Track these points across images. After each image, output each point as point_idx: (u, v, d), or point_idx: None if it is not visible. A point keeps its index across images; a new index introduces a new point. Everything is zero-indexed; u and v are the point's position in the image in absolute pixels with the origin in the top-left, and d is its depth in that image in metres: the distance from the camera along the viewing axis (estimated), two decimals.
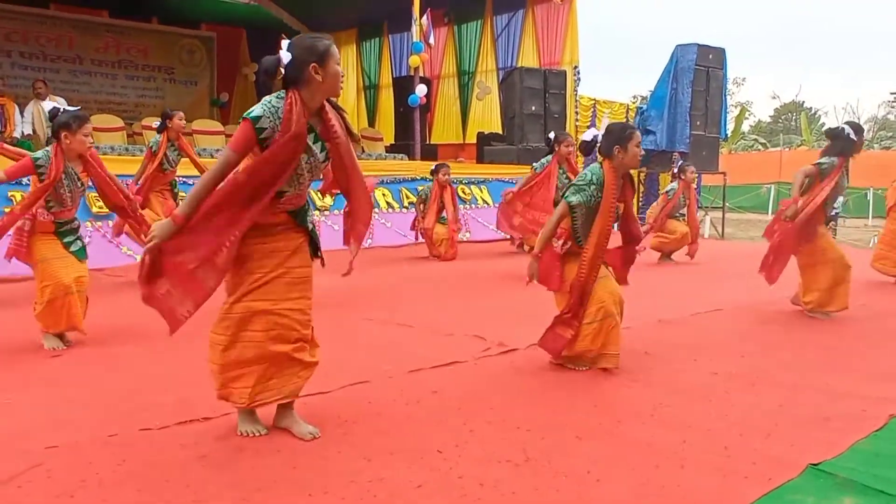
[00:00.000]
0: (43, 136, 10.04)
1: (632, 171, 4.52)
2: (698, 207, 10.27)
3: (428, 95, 14.07)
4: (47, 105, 4.99)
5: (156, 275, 3.04)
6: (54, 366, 4.50)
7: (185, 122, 7.76)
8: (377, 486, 2.79)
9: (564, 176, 7.96)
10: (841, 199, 6.02)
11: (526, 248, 10.23)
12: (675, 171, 10.01)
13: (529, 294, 7.19)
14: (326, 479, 2.84)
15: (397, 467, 2.95)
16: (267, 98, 3.02)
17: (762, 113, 54.38)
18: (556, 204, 4.48)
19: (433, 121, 16.60)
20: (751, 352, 4.90)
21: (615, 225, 4.37)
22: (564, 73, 14.40)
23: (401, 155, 13.65)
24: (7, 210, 4.81)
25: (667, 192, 10.04)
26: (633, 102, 20.23)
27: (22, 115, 10.95)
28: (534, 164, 8.72)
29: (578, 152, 4.63)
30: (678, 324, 5.74)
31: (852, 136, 5.91)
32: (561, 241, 4.38)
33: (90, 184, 5.00)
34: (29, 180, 4.89)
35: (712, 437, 3.30)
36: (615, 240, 4.43)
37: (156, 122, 7.83)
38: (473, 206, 12.31)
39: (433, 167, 9.97)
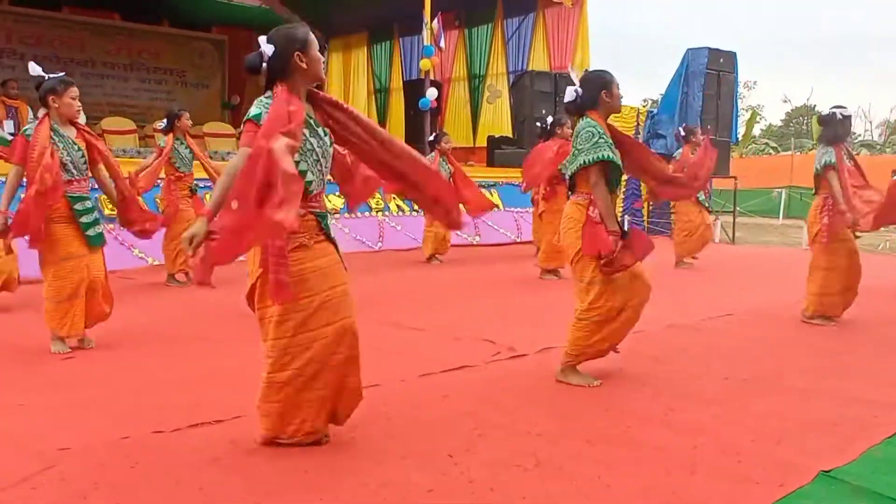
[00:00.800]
0: None
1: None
2: (709, 211, 10.18)
3: (438, 99, 14.06)
4: (34, 69, 5.00)
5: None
6: (66, 368, 4.53)
7: (190, 122, 7.74)
8: (388, 489, 2.80)
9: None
10: None
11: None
12: (682, 134, 9.67)
13: (540, 299, 7.20)
14: (337, 483, 2.85)
15: (408, 471, 2.95)
16: (259, 98, 3.06)
17: (773, 117, 54.30)
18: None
19: (443, 124, 16.58)
20: (762, 357, 4.88)
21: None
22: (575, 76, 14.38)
23: None
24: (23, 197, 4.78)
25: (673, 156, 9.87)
26: (644, 106, 20.19)
27: (35, 117, 11.00)
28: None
29: (567, 116, 4.52)
30: (689, 329, 5.72)
31: (842, 117, 5.90)
32: (595, 208, 4.13)
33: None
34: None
35: (724, 443, 3.29)
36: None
37: (160, 123, 7.82)
38: None
39: (432, 136, 9.93)
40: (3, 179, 5.03)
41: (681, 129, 9.88)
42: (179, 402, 3.79)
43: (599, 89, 4.20)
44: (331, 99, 3.22)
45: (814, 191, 6.04)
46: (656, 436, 3.40)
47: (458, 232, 9.67)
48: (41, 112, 5.03)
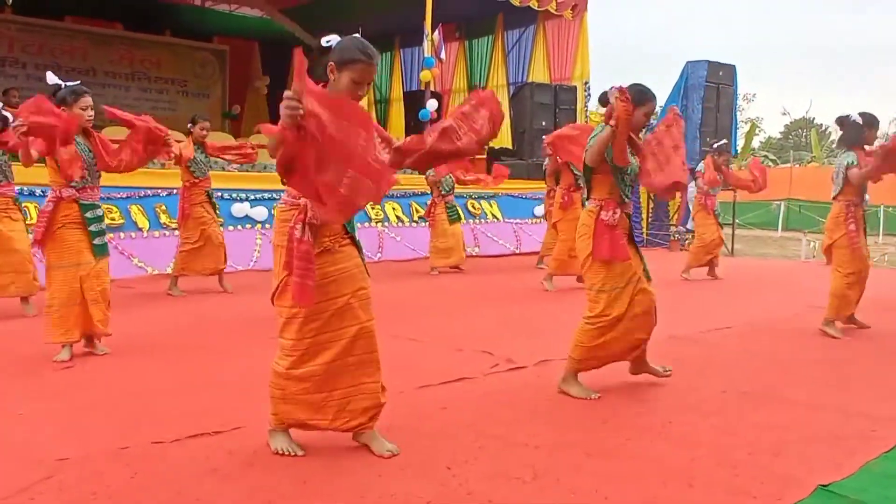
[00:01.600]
0: None
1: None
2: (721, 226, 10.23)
3: (439, 110, 14.09)
4: (51, 78, 5.05)
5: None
6: (66, 376, 4.53)
7: (206, 132, 7.88)
8: (387, 501, 2.80)
9: None
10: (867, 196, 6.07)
11: (542, 265, 10.26)
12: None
13: (538, 310, 7.21)
14: (336, 494, 2.85)
15: (407, 482, 2.96)
16: None
17: (772, 129, 54.28)
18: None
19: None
20: (760, 370, 4.89)
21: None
22: (575, 88, 14.44)
23: (410, 169, 13.68)
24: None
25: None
26: None
27: None
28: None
29: (600, 103, 4.57)
30: (688, 341, 5.73)
31: (858, 120, 5.96)
32: (611, 212, 4.19)
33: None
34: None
35: (721, 456, 3.29)
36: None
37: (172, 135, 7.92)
38: (483, 220, 12.32)
39: None
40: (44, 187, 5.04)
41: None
42: (179, 412, 3.79)
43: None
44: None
45: (833, 195, 6.08)
46: (654, 448, 3.40)
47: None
48: None
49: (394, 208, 11.48)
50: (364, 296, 3.18)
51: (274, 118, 19.30)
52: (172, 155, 6.84)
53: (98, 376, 4.56)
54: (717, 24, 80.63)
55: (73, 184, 4.82)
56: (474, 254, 11.46)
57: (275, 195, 9.35)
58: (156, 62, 17.51)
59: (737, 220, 14.79)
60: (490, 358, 5.03)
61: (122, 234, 8.79)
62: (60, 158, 4.68)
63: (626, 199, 4.28)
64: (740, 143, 28.95)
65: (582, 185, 8.39)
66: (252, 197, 10.04)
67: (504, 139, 15.69)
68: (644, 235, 14.06)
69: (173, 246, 8.55)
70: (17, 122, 4.61)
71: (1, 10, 14.35)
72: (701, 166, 10.04)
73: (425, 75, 13.25)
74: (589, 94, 14.87)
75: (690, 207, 10.99)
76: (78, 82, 5.05)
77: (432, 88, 13.75)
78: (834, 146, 30.59)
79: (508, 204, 12.65)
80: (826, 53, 75.86)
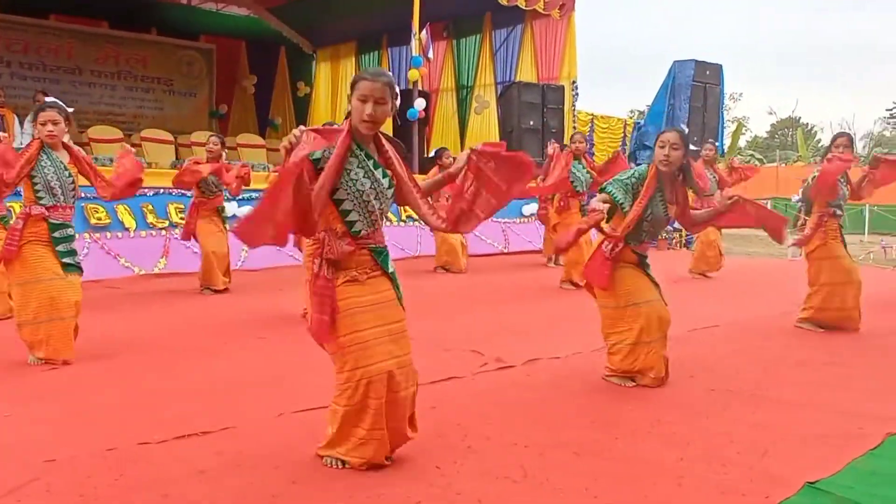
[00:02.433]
0: None
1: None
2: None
3: (426, 109, 14.09)
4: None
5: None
6: (52, 379, 4.50)
7: (218, 147, 7.90)
8: (376, 501, 2.80)
9: (584, 169, 8.53)
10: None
11: (552, 264, 10.29)
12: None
13: (527, 310, 7.22)
14: (325, 495, 2.85)
15: (396, 483, 2.95)
16: None
17: (759, 128, 54.61)
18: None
19: (431, 134, 16.61)
20: (748, 368, 4.91)
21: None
22: (562, 88, 14.45)
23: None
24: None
25: None
26: (631, 118, 20.30)
27: (22, 127, 10.95)
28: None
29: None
30: (675, 340, 5.69)
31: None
32: (611, 246, 4.38)
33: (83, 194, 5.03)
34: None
35: (710, 454, 3.30)
36: None
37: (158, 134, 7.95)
38: None
39: (434, 152, 10.04)
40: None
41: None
42: (166, 413, 3.77)
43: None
44: (397, 144, 3.23)
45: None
46: (643, 447, 3.41)
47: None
48: (27, 121, 5.06)
49: None
50: (396, 330, 3.14)
51: (261, 117, 19.17)
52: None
53: (84, 378, 4.53)
54: (704, 24, 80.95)
55: (40, 197, 4.78)
56: None
57: None
58: (142, 61, 17.39)
59: None
60: (479, 357, 5.03)
61: (108, 234, 8.74)
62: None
63: (635, 243, 4.42)
64: (727, 142, 29.10)
65: (580, 190, 8.45)
66: (240, 196, 9.98)
67: (492, 138, 15.68)
68: None
69: (160, 246, 8.53)
70: None
71: None
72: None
73: (413, 74, 13.23)
74: (576, 94, 14.89)
75: None
76: (52, 98, 5.09)
77: (420, 87, 13.72)
78: (820, 145, 30.83)
79: None
80: (813, 53, 76.32)
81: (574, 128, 14.84)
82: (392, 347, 3.08)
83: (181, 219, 8.79)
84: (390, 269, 3.18)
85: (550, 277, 8.52)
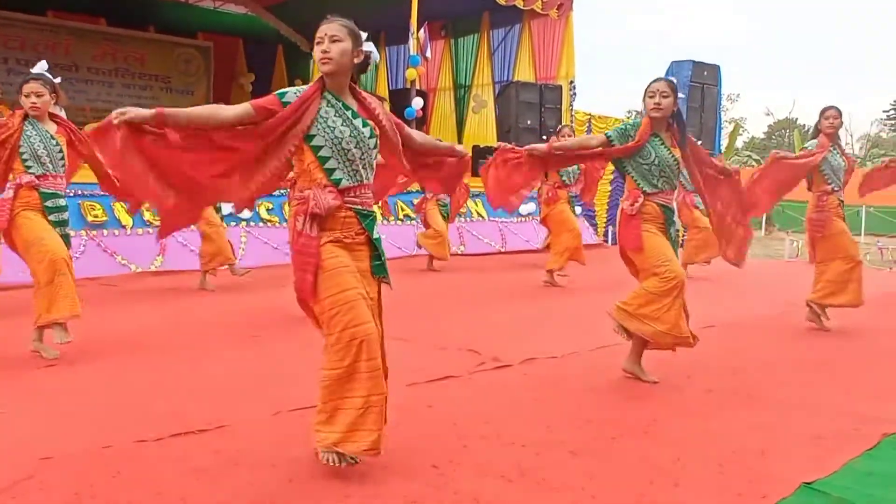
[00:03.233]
0: None
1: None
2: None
3: (424, 108, 14.10)
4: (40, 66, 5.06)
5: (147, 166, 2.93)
6: (48, 377, 4.48)
7: None
8: (372, 500, 2.79)
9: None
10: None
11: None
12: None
13: (524, 309, 7.21)
14: (322, 494, 2.84)
15: (392, 482, 2.95)
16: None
17: (756, 129, 54.60)
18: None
19: (429, 133, 16.59)
20: (745, 369, 4.91)
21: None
22: (560, 87, 14.46)
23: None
24: None
25: None
26: (628, 117, 20.30)
27: None
28: None
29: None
30: None
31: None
32: (629, 202, 4.49)
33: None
34: None
35: (706, 454, 3.30)
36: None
37: None
38: (468, 219, 12.32)
39: None
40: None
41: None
42: (162, 411, 3.76)
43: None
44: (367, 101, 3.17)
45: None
46: (640, 447, 3.41)
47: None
48: None
49: (378, 206, 11.45)
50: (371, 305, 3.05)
51: None
52: None
53: (79, 375, 4.52)
54: (701, 24, 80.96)
55: (28, 166, 4.80)
56: (460, 252, 11.45)
57: None
58: (139, 58, 17.38)
59: None
60: (476, 356, 5.03)
61: (105, 232, 8.72)
62: None
63: (652, 189, 4.49)
64: (724, 142, 29.12)
65: (567, 182, 8.47)
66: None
67: (489, 137, 15.70)
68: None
69: (157, 243, 8.49)
70: None
71: None
72: None
73: (411, 73, 13.23)
74: (574, 94, 14.90)
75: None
76: (39, 70, 5.08)
77: (418, 87, 13.72)
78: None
79: None
80: (810, 54, 76.40)
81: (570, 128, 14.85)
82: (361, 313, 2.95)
83: None
84: (375, 235, 3.10)
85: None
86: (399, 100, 14.62)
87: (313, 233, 2.96)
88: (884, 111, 48.82)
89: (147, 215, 9.12)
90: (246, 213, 9.86)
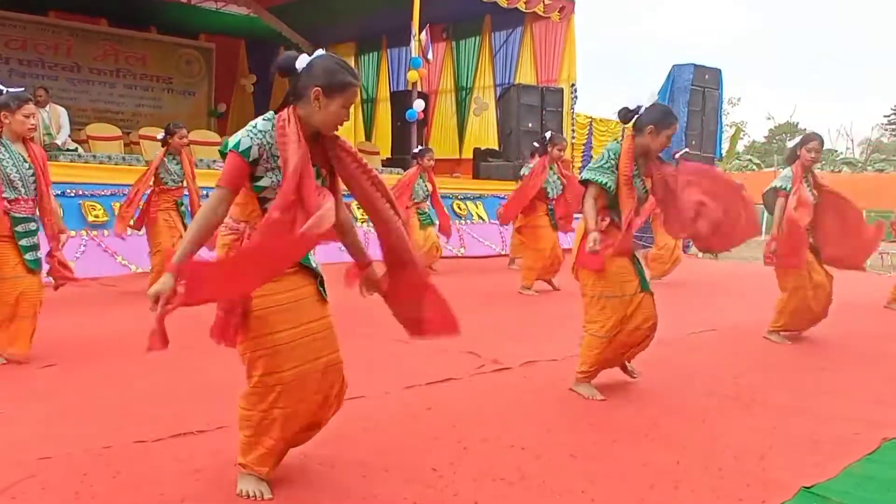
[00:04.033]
0: (41, 144, 10.03)
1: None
2: None
3: (425, 110, 14.09)
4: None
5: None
6: (47, 378, 4.48)
7: (186, 139, 7.56)
8: (371, 502, 2.79)
9: (555, 175, 8.25)
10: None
11: (514, 266, 10.24)
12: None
13: (524, 312, 7.21)
14: (321, 496, 2.84)
15: (392, 484, 2.95)
16: (250, 124, 2.78)
17: (757, 133, 54.60)
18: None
19: (430, 136, 16.62)
20: (745, 373, 4.91)
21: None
22: (561, 90, 14.47)
23: (397, 169, 13.68)
24: None
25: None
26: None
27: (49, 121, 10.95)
28: (522, 171, 9.18)
29: (619, 119, 4.58)
30: (673, 344, 5.73)
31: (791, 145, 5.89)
32: (598, 217, 4.23)
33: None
34: None
35: (706, 458, 3.30)
36: None
37: (160, 135, 7.71)
38: (469, 221, 12.34)
39: (416, 150, 9.93)
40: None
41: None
42: (162, 412, 3.76)
43: (652, 121, 4.19)
44: (345, 146, 2.91)
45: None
46: (640, 450, 3.41)
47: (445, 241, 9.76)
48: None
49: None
50: (318, 328, 2.84)
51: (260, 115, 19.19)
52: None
53: (79, 376, 4.52)
54: (703, 28, 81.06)
55: (3, 195, 4.60)
56: (460, 255, 11.46)
57: None
58: (141, 59, 17.38)
59: None
60: (476, 359, 5.02)
61: (105, 232, 8.72)
62: None
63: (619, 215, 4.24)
64: (725, 146, 29.15)
65: (551, 196, 8.33)
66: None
67: (490, 140, 15.72)
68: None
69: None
70: None
71: None
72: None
73: (412, 76, 13.23)
74: (575, 97, 14.91)
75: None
76: (22, 89, 4.88)
77: (419, 89, 13.72)
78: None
79: (494, 205, 12.62)
80: (811, 59, 76.46)
81: (573, 131, 14.87)
82: (315, 346, 2.81)
83: None
84: (313, 264, 2.89)
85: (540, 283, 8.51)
86: (400, 101, 14.65)
87: None
88: (885, 116, 48.87)
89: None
90: None
